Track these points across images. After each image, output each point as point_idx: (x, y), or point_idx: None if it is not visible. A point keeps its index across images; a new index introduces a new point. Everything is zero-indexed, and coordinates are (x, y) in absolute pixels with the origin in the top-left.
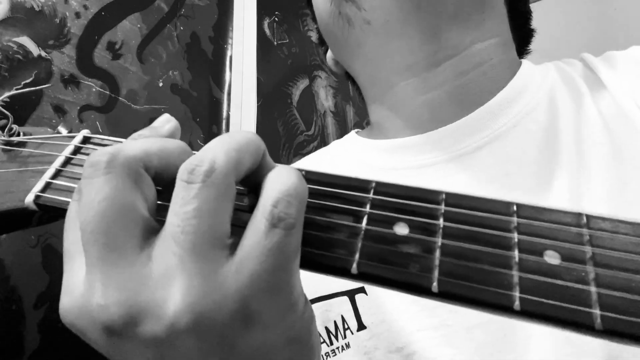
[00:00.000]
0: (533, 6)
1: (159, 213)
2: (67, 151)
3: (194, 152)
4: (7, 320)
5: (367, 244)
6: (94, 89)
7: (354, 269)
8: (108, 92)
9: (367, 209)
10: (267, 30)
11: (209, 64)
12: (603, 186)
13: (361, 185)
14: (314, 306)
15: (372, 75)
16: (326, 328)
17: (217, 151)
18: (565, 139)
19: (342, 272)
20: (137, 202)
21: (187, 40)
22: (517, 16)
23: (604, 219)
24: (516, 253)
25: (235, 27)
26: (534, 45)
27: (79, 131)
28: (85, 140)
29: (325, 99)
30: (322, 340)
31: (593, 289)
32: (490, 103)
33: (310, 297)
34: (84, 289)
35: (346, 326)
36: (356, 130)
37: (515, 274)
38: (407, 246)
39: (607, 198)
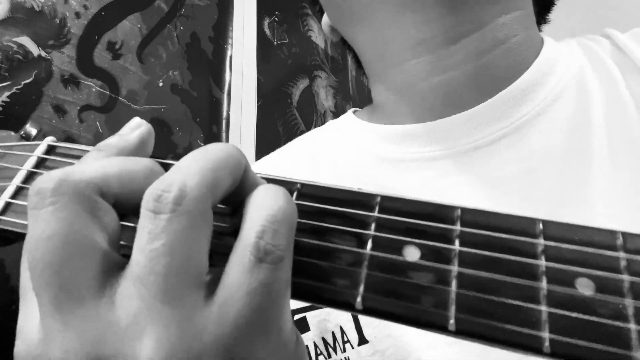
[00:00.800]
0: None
1: (126, 238)
2: (29, 164)
3: (164, 170)
4: (7, 320)
5: (372, 273)
6: (94, 89)
7: (359, 303)
8: (108, 92)
9: (372, 231)
10: (267, 30)
11: (209, 64)
12: (637, 182)
13: (365, 200)
14: (311, 314)
15: (379, 49)
16: (323, 339)
17: (188, 172)
18: (597, 132)
19: (345, 306)
20: (93, 235)
21: (187, 40)
22: None
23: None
24: (544, 284)
25: (235, 27)
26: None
27: (79, 132)
28: (50, 150)
29: (325, 99)
30: (319, 352)
31: (633, 326)
32: (511, 87)
33: (306, 303)
34: (40, 337)
35: (345, 339)
36: (353, 109)
37: (544, 309)
38: (418, 275)
39: None
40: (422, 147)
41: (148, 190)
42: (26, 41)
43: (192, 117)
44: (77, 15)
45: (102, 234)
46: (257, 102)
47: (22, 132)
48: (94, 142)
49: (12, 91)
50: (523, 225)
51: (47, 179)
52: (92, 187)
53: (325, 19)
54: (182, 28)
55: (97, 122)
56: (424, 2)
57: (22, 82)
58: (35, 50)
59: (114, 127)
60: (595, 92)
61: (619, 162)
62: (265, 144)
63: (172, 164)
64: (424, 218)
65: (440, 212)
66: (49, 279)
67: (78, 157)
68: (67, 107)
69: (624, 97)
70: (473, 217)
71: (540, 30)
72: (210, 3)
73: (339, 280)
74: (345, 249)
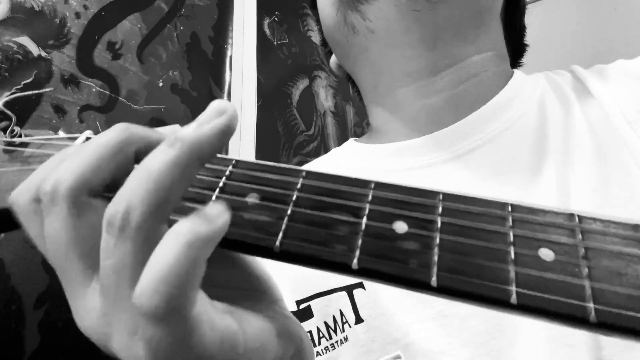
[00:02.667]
0: (535, 6)
1: None
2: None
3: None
4: (7, 320)
5: (367, 240)
6: (94, 89)
7: (355, 264)
8: (108, 92)
9: (367, 206)
10: (267, 30)
11: (209, 64)
12: (589, 183)
13: (360, 184)
14: (314, 302)
15: (374, 80)
16: (325, 323)
17: (131, 197)
18: (553, 141)
19: (343, 267)
20: (77, 237)
21: (187, 40)
22: (512, 31)
23: (594, 219)
24: (512, 249)
25: (235, 27)
26: (539, 45)
27: (79, 133)
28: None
29: (325, 99)
30: (321, 335)
31: (587, 282)
32: (483, 109)
33: (310, 293)
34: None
35: (344, 320)
36: (354, 138)
37: (512, 268)
38: (406, 243)
39: (592, 194)
40: (414, 158)
41: (105, 214)
42: (26, 41)
43: (192, 117)
44: (77, 15)
45: (88, 231)
46: (257, 102)
47: (57, 133)
48: None
49: (12, 91)
50: (495, 206)
51: (43, 189)
52: (78, 191)
53: (333, 58)
54: (182, 28)
55: (97, 122)
56: (408, 43)
57: (22, 82)
58: (35, 50)
59: None
60: (554, 112)
61: (570, 162)
62: (265, 144)
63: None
64: (412, 196)
65: (425, 194)
66: (56, 267)
67: (59, 147)
68: (67, 107)
69: (577, 115)
70: (453, 199)
71: (518, 66)
72: (210, 3)
73: (338, 245)
74: (344, 219)
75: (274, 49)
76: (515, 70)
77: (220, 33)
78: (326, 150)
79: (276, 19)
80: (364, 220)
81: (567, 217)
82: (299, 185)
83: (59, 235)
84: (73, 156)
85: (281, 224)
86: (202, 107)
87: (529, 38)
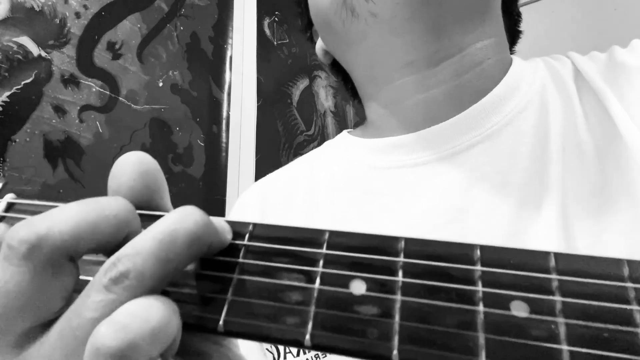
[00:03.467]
0: (535, 6)
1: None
2: None
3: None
4: None
5: (320, 310)
6: (94, 89)
7: (307, 340)
8: (108, 92)
9: (320, 267)
10: (267, 30)
11: (209, 64)
12: (587, 186)
13: (314, 237)
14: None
15: (371, 71)
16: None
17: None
18: (554, 138)
19: (294, 343)
20: (44, 297)
21: (187, 40)
22: (509, 18)
23: (573, 257)
24: (481, 307)
25: (235, 27)
26: (539, 45)
27: (77, 129)
28: (9, 207)
29: (325, 99)
30: (288, 350)
31: (565, 347)
32: (483, 101)
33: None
34: None
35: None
36: (348, 130)
37: (481, 335)
38: (364, 307)
39: (590, 199)
40: (407, 155)
41: (102, 269)
42: (26, 41)
43: (192, 117)
44: (77, 15)
45: (55, 295)
46: (257, 102)
47: None
48: (94, 142)
49: (12, 91)
50: (462, 252)
51: (20, 238)
52: (61, 253)
53: (319, 43)
54: (182, 28)
55: (97, 122)
56: (412, 29)
57: (22, 82)
58: (35, 50)
59: (114, 127)
60: (555, 105)
61: (570, 166)
62: (265, 144)
63: (154, 215)
64: (369, 251)
65: (385, 244)
66: None
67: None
68: (67, 107)
69: (577, 111)
70: (416, 247)
71: (512, 53)
72: (210, 3)
73: (288, 318)
74: (295, 285)
75: (274, 49)
76: (514, 57)
77: (220, 33)
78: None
79: (276, 19)
80: (317, 283)
81: (543, 258)
82: (242, 252)
83: (17, 290)
84: (66, 212)
85: (224, 299)
86: (202, 107)
87: (528, 38)
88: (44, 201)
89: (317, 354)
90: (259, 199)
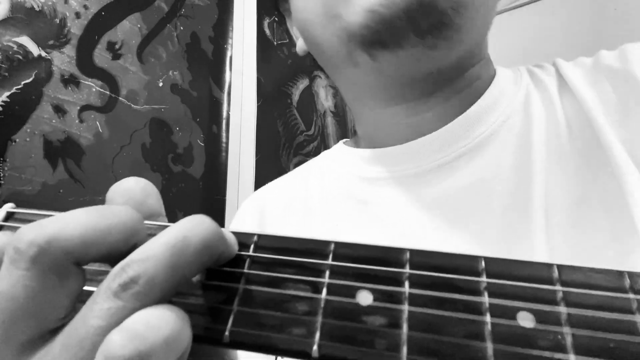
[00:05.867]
0: (535, 6)
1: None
2: None
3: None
4: None
5: (327, 321)
6: (94, 89)
7: (315, 351)
8: (108, 92)
9: (326, 278)
10: (267, 30)
11: (209, 64)
12: (569, 195)
13: (319, 248)
14: None
15: (361, 99)
16: None
17: (153, 263)
18: (537, 147)
19: (302, 355)
20: (51, 303)
21: (187, 40)
22: None
23: (574, 269)
24: (488, 318)
25: (235, 27)
26: (539, 45)
27: (77, 130)
28: (9, 216)
29: (325, 99)
30: None
31: (572, 356)
32: (468, 112)
33: None
34: None
35: None
36: (344, 140)
37: (489, 345)
38: (372, 318)
39: (572, 207)
40: (394, 167)
41: (111, 275)
42: (26, 41)
43: (192, 117)
44: (77, 15)
45: (61, 301)
46: (257, 102)
47: None
48: (94, 142)
49: (12, 91)
50: (467, 264)
51: (29, 240)
52: (69, 258)
53: (301, 44)
54: (182, 28)
55: (97, 122)
56: (413, 82)
57: (22, 82)
58: (35, 50)
59: (114, 127)
60: (539, 114)
61: (553, 175)
62: (265, 144)
63: (159, 226)
64: (375, 263)
65: (390, 255)
66: None
67: None
68: (67, 107)
69: (560, 119)
70: (421, 258)
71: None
72: (210, 3)
73: (295, 329)
74: (301, 295)
75: (274, 49)
76: (497, 67)
77: (220, 33)
78: (326, 150)
79: (276, 19)
80: (324, 294)
81: (546, 269)
82: (247, 262)
83: (24, 295)
84: (76, 217)
85: (230, 310)
86: (202, 107)
87: (529, 38)
88: (44, 210)
89: None
90: (258, 210)
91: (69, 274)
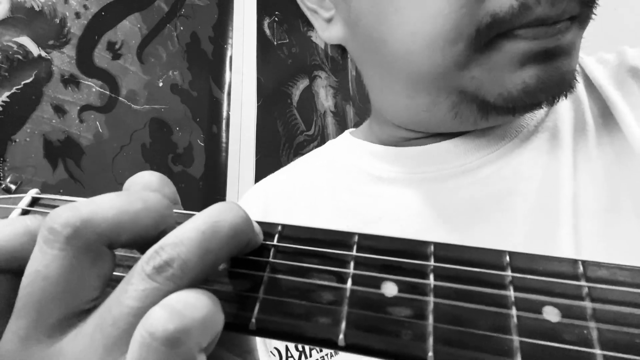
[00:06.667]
0: None
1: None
2: (15, 215)
3: (170, 223)
4: None
5: (353, 310)
6: (94, 89)
7: (341, 340)
8: (108, 92)
9: (351, 269)
10: (267, 30)
11: (209, 64)
12: (598, 200)
13: (343, 240)
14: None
15: (394, 108)
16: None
17: (184, 249)
18: (565, 152)
19: (328, 343)
20: (83, 283)
21: (187, 40)
22: None
23: (600, 265)
24: (514, 311)
25: (235, 27)
26: None
27: (77, 129)
28: (34, 202)
29: (325, 99)
30: (289, 355)
31: (598, 351)
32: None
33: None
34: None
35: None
36: (350, 130)
37: (515, 338)
38: (397, 309)
39: (601, 212)
40: (414, 168)
41: (145, 257)
42: (26, 41)
43: (192, 117)
44: (77, 15)
45: (93, 282)
46: (257, 102)
47: (3, 186)
48: (94, 142)
49: (12, 91)
50: (491, 258)
51: (64, 221)
52: (103, 240)
53: (334, 33)
54: (182, 28)
55: (97, 122)
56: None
57: (22, 82)
58: (35, 50)
59: (114, 127)
60: (566, 114)
61: (581, 179)
62: (265, 144)
63: (185, 214)
64: (399, 254)
65: (414, 248)
66: (25, 310)
67: None
68: (67, 107)
69: (589, 122)
70: (445, 252)
71: None
72: (210, 3)
73: (321, 318)
74: (326, 285)
75: (274, 49)
76: None
77: (220, 33)
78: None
79: (276, 19)
80: (349, 284)
81: (571, 265)
82: (272, 251)
83: (57, 275)
84: (109, 200)
85: (256, 297)
86: (202, 107)
87: None
88: (68, 197)
89: (323, 356)
90: (261, 206)
91: (102, 255)
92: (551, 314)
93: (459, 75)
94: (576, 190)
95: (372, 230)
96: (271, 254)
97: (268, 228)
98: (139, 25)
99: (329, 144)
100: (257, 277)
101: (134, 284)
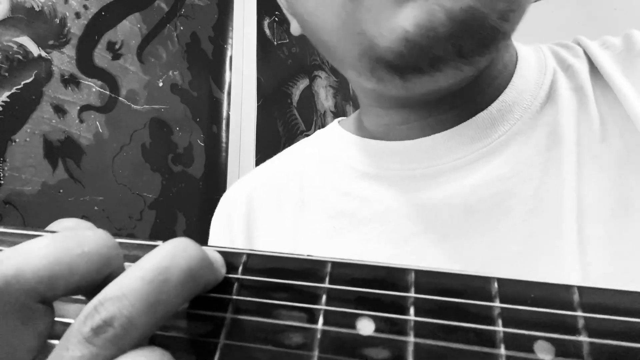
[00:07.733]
0: (535, 6)
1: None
2: None
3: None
4: None
5: (324, 356)
6: (94, 89)
7: None
8: (108, 92)
9: (323, 304)
10: (267, 30)
11: (209, 64)
12: (604, 199)
13: (314, 269)
14: None
15: (371, 100)
16: None
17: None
18: (567, 147)
19: None
20: (11, 351)
21: (187, 40)
22: None
23: (598, 291)
24: (502, 350)
25: (235, 27)
26: (538, 44)
27: (77, 130)
28: None
29: (325, 99)
30: None
31: None
32: (490, 108)
33: None
34: None
35: None
36: (339, 119)
37: None
38: (374, 350)
39: (609, 215)
40: (403, 164)
41: (82, 316)
42: (26, 41)
43: (192, 117)
44: (77, 15)
45: (27, 343)
46: (257, 102)
47: None
48: (94, 142)
49: (12, 91)
50: (478, 286)
51: None
52: (34, 297)
53: (296, 27)
54: (182, 28)
55: (97, 122)
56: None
57: (22, 82)
58: (35, 50)
59: (114, 127)
60: (568, 106)
61: (586, 179)
62: (265, 144)
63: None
64: (377, 285)
65: (393, 276)
66: None
67: (11, 243)
68: (67, 107)
69: (592, 110)
70: (427, 279)
71: None
72: (210, 3)
73: None
74: (295, 325)
75: (274, 49)
76: (518, 48)
77: (220, 33)
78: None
79: (276, 19)
80: (320, 324)
81: (565, 292)
82: (235, 287)
83: None
84: (38, 249)
85: (216, 343)
86: (202, 107)
87: (528, 38)
88: (23, 229)
89: None
90: (245, 203)
91: (34, 313)
92: (544, 351)
93: (355, 37)
94: (580, 191)
95: (361, 233)
96: (234, 289)
97: (231, 258)
98: (139, 25)
99: (318, 135)
100: (218, 318)
101: (70, 349)
